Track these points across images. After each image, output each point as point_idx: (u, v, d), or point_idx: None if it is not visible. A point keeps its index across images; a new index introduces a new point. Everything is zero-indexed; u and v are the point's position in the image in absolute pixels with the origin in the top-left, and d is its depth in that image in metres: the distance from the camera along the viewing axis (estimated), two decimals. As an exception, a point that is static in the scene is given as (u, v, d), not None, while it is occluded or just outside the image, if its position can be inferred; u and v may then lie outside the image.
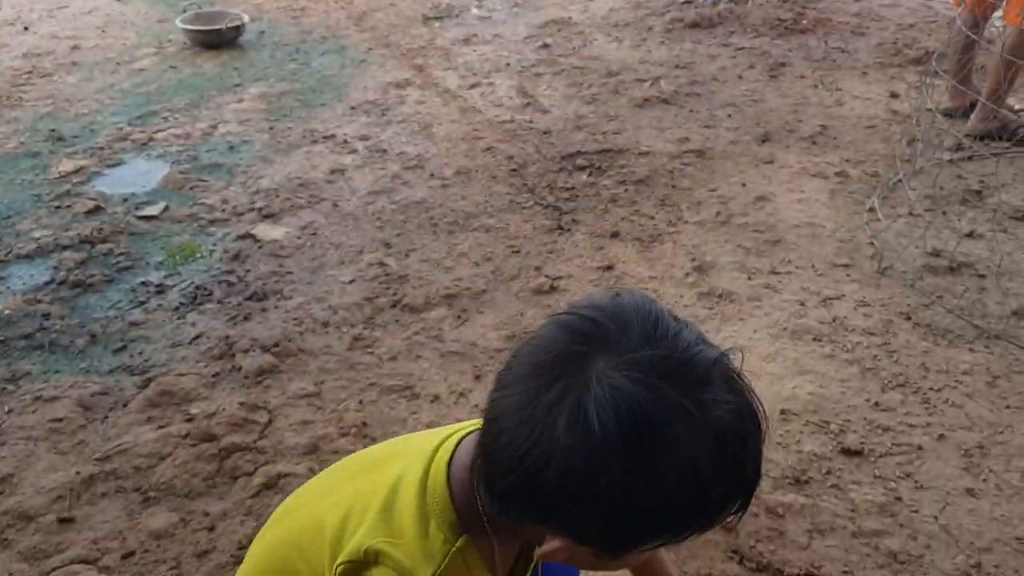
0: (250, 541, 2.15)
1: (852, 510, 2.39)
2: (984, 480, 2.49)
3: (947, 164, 4.18)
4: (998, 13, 4.39)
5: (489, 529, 1.09)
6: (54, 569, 2.14)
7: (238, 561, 2.11)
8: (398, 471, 1.16)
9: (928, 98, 3.99)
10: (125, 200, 4.18)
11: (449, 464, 1.13)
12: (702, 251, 3.64)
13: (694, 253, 3.62)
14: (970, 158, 4.25)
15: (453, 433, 1.19)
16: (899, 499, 2.42)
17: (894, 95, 5.01)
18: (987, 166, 4.09)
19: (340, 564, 1.07)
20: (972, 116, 4.44)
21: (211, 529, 2.27)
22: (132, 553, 2.20)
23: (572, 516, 0.94)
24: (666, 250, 3.66)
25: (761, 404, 0.98)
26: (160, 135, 4.86)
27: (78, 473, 2.49)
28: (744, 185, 4.14)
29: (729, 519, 1.00)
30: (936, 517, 2.36)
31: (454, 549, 1.06)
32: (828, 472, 2.52)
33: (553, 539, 1.00)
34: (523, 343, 1.00)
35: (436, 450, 1.16)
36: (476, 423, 1.11)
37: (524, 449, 0.91)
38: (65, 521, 2.31)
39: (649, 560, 1.52)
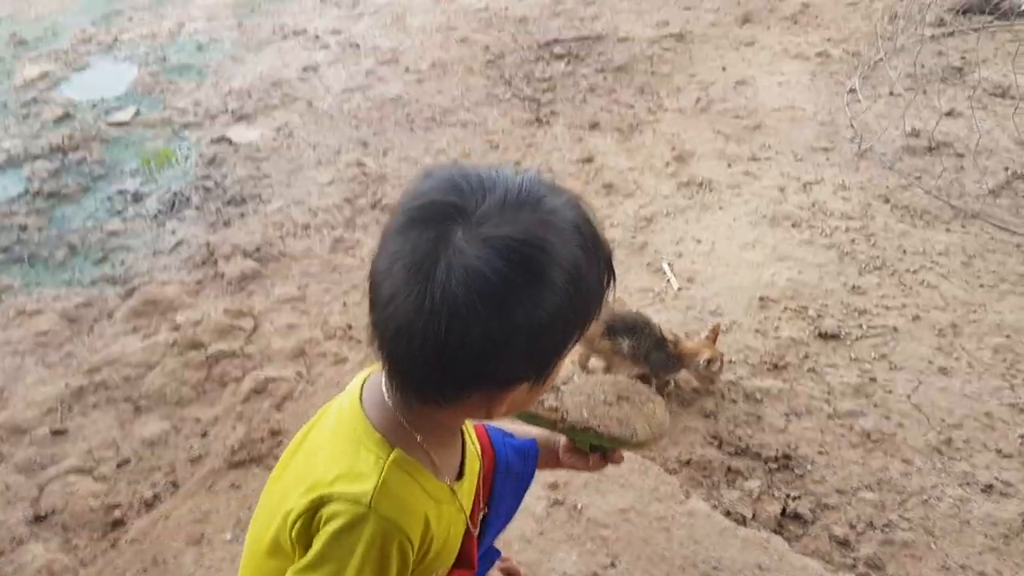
0: (242, 446, 2.22)
1: (828, 392, 2.45)
2: (956, 359, 2.55)
3: (928, 40, 4.11)
4: None
5: (417, 436, 1.13)
6: (51, 480, 2.19)
7: (231, 466, 2.17)
8: (318, 436, 1.21)
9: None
10: (94, 105, 4.09)
11: (361, 399, 1.18)
12: (682, 139, 3.61)
13: (674, 142, 3.60)
14: (952, 34, 4.19)
15: (356, 381, 1.24)
16: (873, 380, 2.48)
17: (877, -31, 4.89)
18: (968, 42, 4.03)
19: (293, 522, 1.10)
20: (955, -11, 4.36)
21: (203, 435, 2.32)
22: (127, 461, 2.25)
23: (501, 359, 1.00)
24: (645, 139, 3.63)
25: (576, 194, 1.08)
26: (125, 36, 4.73)
27: (67, 385, 2.52)
28: (724, 69, 4.07)
29: (608, 292, 1.10)
30: (909, 396, 2.43)
31: (388, 463, 1.10)
32: (805, 356, 2.57)
33: (486, 400, 1.06)
34: (380, 259, 1.03)
35: (346, 396, 1.21)
36: (376, 366, 1.16)
37: (438, 330, 0.96)
38: (58, 433, 2.35)
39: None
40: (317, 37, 4.62)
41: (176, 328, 2.71)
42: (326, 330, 2.68)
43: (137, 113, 4.01)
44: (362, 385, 1.21)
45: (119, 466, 2.24)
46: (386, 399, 1.14)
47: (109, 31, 4.76)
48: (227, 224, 3.22)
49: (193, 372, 2.54)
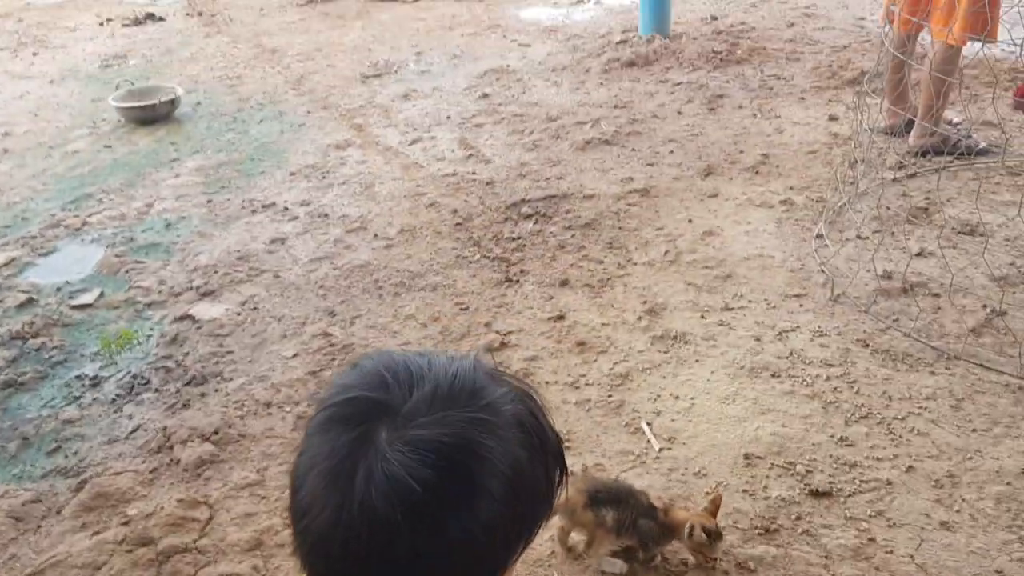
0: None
1: (825, 557, 2.29)
2: (958, 511, 2.40)
3: (890, 183, 4.15)
4: (926, 31, 4.40)
5: None
6: None
7: None
8: None
9: (866, 118, 3.96)
10: (58, 289, 4.03)
11: None
12: (653, 292, 3.56)
13: (645, 295, 3.54)
14: (913, 175, 4.24)
15: None
16: (872, 540, 2.32)
17: (833, 118, 5.01)
18: (931, 182, 4.07)
19: None
20: (911, 134, 4.44)
21: (149, 644, 2.13)
22: None
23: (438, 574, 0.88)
24: (616, 295, 3.58)
25: (521, 381, 0.99)
26: (94, 218, 4.72)
27: (7, 593, 2.33)
28: (690, 221, 4.08)
29: (560, 489, 1.00)
30: (912, 556, 2.27)
31: None
32: (798, 518, 2.42)
33: None
34: (299, 461, 0.92)
35: None
36: None
37: (358, 547, 0.85)
38: (-10, 650, 2.15)
39: None
40: (286, 209, 4.63)
41: (127, 522, 2.54)
42: (286, 517, 2.51)
43: (101, 295, 3.95)
44: None
45: None
46: None
47: (78, 215, 4.76)
48: (186, 406, 3.09)
49: (142, 572, 2.35)
